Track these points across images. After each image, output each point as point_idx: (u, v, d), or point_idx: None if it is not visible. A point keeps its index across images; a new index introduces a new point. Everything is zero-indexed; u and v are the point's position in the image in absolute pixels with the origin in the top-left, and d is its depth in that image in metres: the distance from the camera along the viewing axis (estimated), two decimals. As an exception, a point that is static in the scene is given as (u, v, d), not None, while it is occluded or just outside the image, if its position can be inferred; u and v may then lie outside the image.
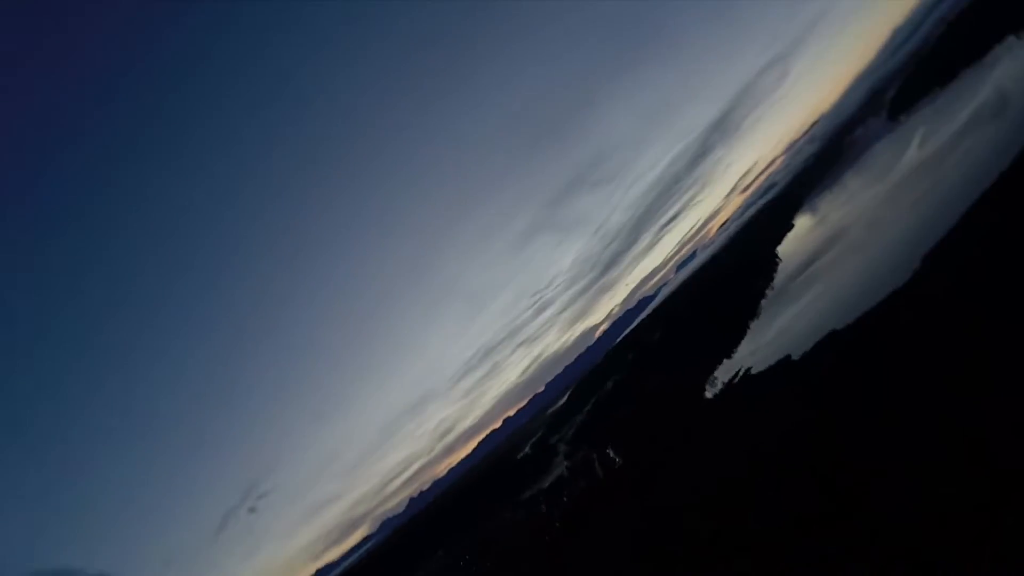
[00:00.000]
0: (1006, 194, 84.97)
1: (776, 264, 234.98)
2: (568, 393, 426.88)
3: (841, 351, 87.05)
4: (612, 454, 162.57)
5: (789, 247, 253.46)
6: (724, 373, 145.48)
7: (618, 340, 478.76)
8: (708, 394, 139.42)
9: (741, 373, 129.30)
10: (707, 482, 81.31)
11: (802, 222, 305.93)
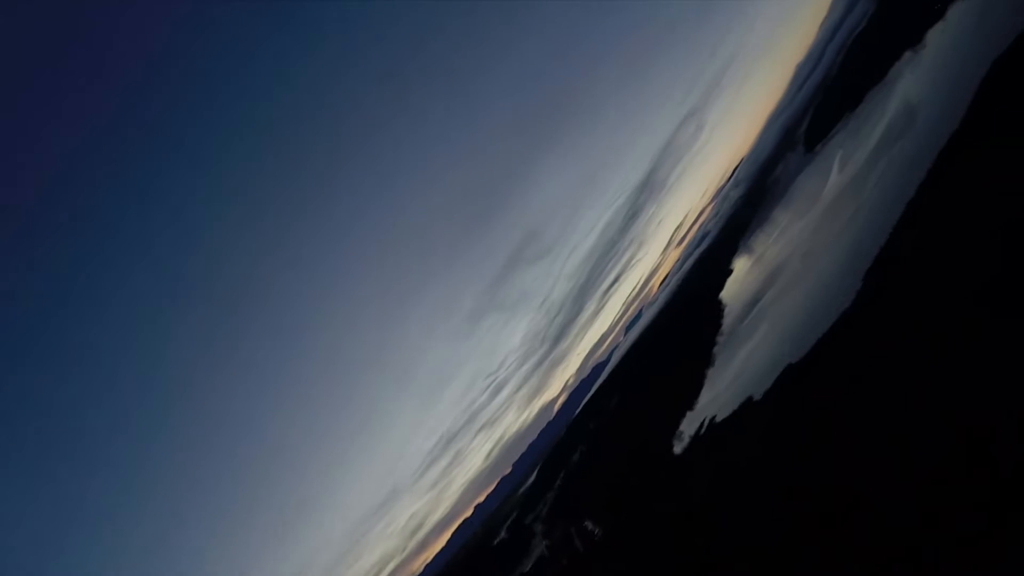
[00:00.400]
0: (930, 200, 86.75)
1: (722, 310, 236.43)
2: (536, 470, 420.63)
3: (802, 381, 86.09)
4: (591, 525, 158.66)
5: (731, 291, 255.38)
6: (689, 425, 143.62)
7: (578, 410, 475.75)
8: (677, 449, 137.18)
9: (706, 423, 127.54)
10: (691, 536, 78.90)
11: (740, 264, 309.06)
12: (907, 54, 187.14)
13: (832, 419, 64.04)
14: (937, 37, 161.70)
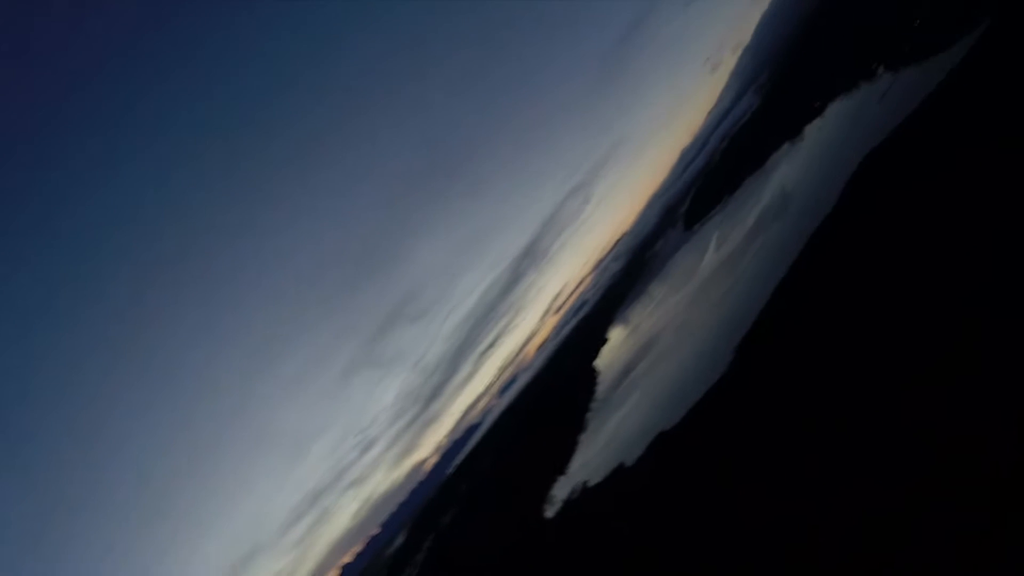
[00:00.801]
0: (800, 279, 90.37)
1: (596, 377, 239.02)
2: (406, 531, 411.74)
3: (673, 448, 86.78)
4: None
5: (606, 359, 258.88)
6: (561, 490, 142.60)
7: (449, 471, 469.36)
8: (548, 513, 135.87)
9: (579, 488, 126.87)
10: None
11: (616, 334, 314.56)
12: (785, 146, 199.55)
13: (702, 485, 64.55)
14: (815, 132, 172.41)
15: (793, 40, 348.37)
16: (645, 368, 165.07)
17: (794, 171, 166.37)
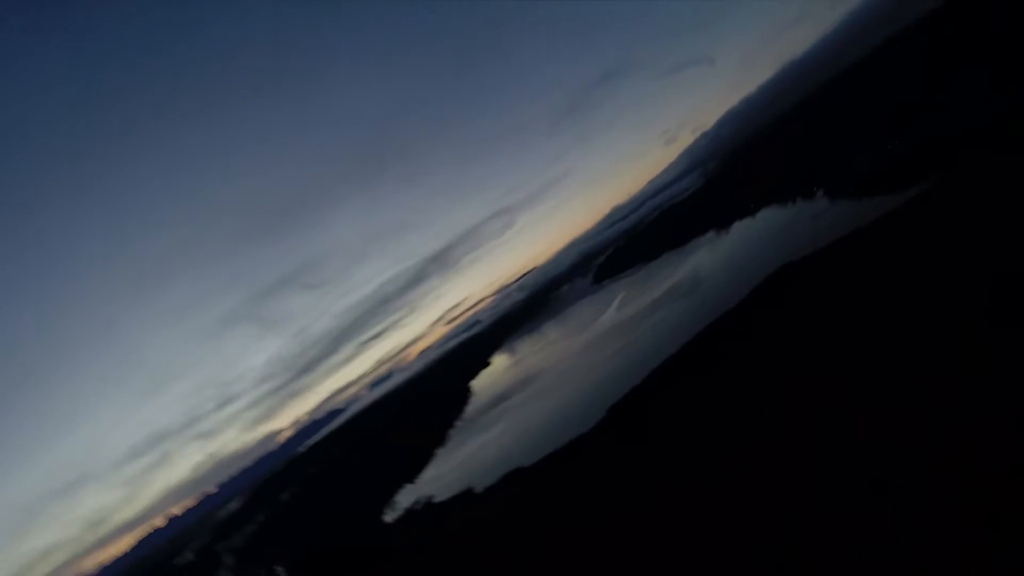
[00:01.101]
0: (689, 361, 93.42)
1: (469, 397, 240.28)
2: (243, 498, 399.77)
3: (526, 486, 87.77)
4: (282, 573, 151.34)
5: (483, 382, 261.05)
6: (406, 498, 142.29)
7: (301, 449, 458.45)
8: (388, 518, 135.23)
9: (424, 500, 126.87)
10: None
11: (499, 361, 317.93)
12: (711, 233, 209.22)
13: (544, 526, 65.52)
14: (742, 229, 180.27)
15: (751, 141, 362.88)
16: (518, 401, 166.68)
17: (712, 259, 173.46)
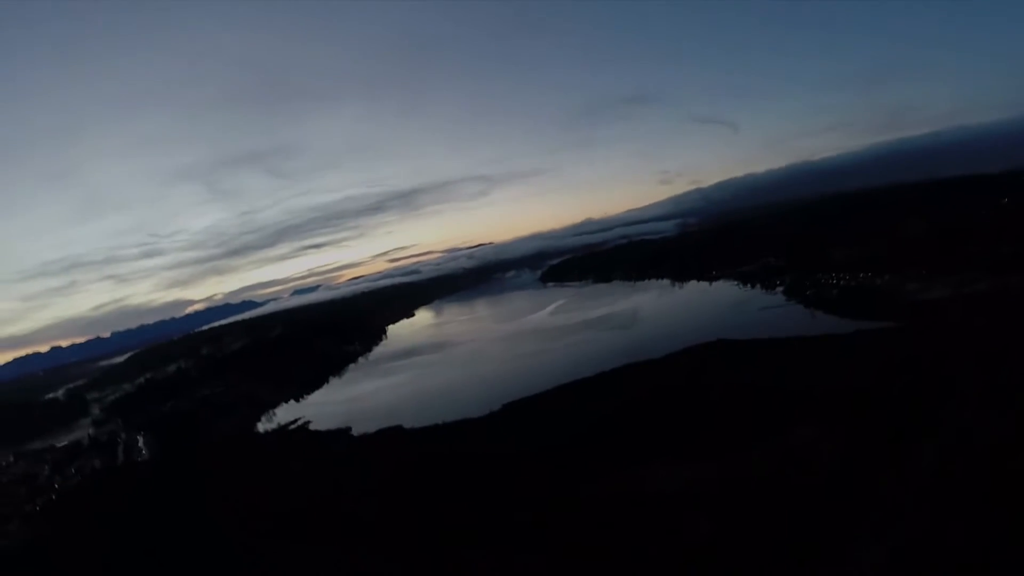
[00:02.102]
0: (596, 389, 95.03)
1: (381, 339, 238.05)
2: (131, 356, 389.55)
3: (399, 444, 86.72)
4: (141, 444, 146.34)
5: (401, 331, 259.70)
6: (285, 414, 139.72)
7: (204, 328, 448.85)
8: (260, 426, 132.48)
9: (301, 421, 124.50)
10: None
11: (423, 316, 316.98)
12: (666, 281, 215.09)
13: (404, 488, 64.48)
14: (695, 290, 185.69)
15: (739, 215, 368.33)
16: (426, 362, 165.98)
17: (657, 305, 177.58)
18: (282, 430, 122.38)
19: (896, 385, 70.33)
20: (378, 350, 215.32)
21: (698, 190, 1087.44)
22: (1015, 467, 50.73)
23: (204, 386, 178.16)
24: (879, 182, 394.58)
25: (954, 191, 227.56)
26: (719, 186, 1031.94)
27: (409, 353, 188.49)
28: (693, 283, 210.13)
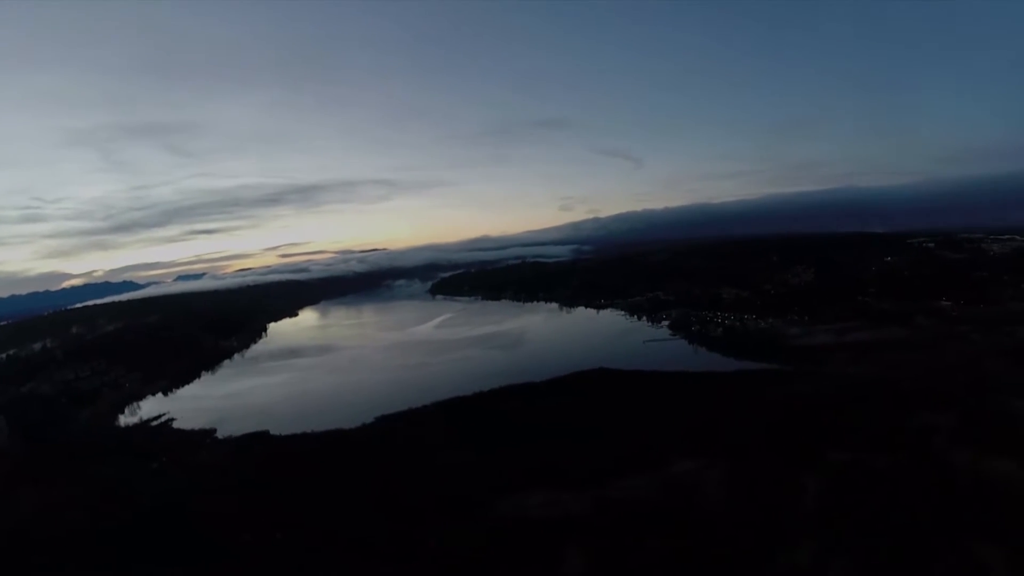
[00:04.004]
0: (472, 408, 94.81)
1: (262, 335, 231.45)
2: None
3: (264, 452, 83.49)
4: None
5: (283, 329, 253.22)
6: (152, 407, 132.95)
7: (79, 306, 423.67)
8: (121, 419, 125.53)
9: (165, 417, 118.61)
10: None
11: (307, 316, 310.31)
12: (555, 305, 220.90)
13: (260, 495, 62.13)
14: (583, 318, 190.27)
15: (633, 249, 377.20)
16: (304, 365, 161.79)
17: (543, 328, 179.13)
18: (144, 425, 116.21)
19: (777, 423, 73.83)
20: (257, 347, 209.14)
21: (596, 219, 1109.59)
22: (893, 503, 54.20)
23: (69, 369, 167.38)
24: (773, 231, 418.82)
25: (842, 246, 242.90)
26: (618, 217, 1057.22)
27: (288, 354, 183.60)
28: (581, 309, 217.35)
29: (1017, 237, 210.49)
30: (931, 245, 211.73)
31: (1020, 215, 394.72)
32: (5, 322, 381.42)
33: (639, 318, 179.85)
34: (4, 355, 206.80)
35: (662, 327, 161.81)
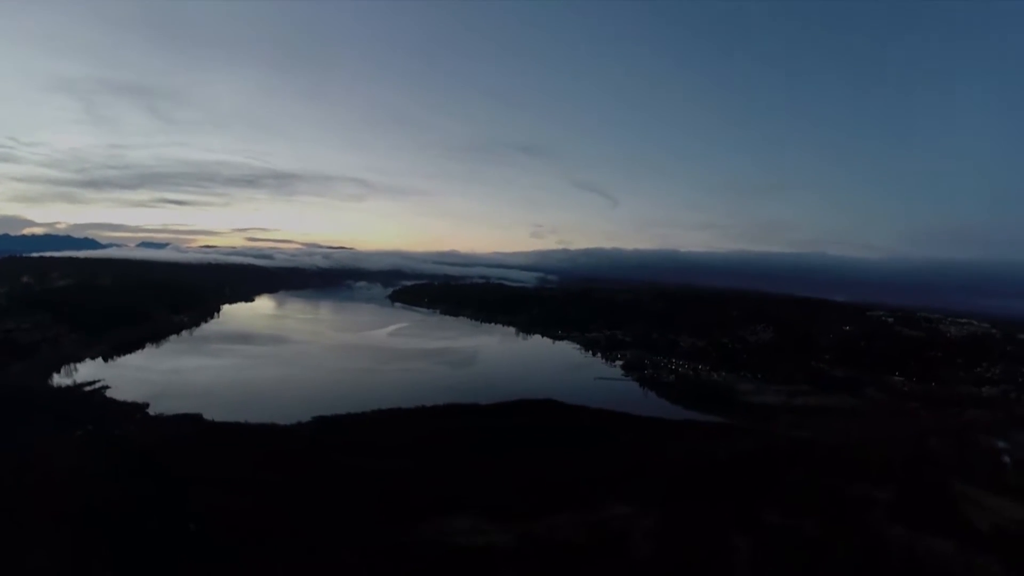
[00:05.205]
0: (410, 421, 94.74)
1: (213, 316, 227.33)
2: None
3: (201, 439, 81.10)
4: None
5: (236, 313, 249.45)
6: (88, 371, 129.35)
7: (34, 255, 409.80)
8: (54, 380, 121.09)
9: (99, 384, 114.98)
10: None
11: (263, 304, 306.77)
12: (513, 330, 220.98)
13: (182, 477, 60.32)
14: (539, 344, 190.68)
15: (598, 286, 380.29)
16: (251, 352, 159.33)
17: (498, 350, 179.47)
18: (76, 389, 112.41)
19: (716, 477, 73.35)
20: (207, 327, 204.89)
21: (566, 250, 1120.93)
22: (824, 572, 54.01)
23: (10, 318, 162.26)
24: (737, 285, 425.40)
25: (803, 310, 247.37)
26: (587, 251, 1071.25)
27: (238, 339, 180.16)
28: (538, 337, 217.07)
29: (974, 322, 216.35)
30: (890, 320, 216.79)
31: (981, 302, 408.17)
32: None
33: (594, 354, 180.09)
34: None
35: (616, 366, 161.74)
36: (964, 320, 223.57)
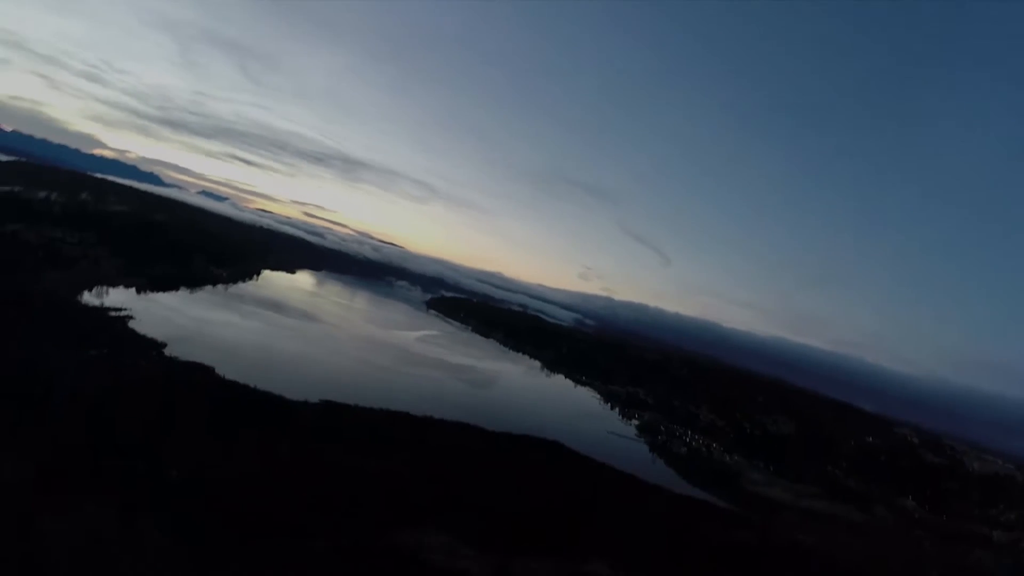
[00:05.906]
0: (417, 429, 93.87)
1: (252, 278, 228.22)
2: (13, 159, 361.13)
3: (206, 390, 79.33)
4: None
5: (275, 281, 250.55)
6: (119, 298, 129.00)
7: (99, 175, 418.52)
8: (85, 297, 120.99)
9: (125, 312, 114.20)
10: None
11: (303, 278, 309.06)
12: (538, 364, 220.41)
13: (192, 438, 58.01)
14: (561, 384, 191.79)
15: (635, 339, 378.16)
16: (281, 323, 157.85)
17: (519, 380, 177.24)
18: (101, 311, 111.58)
19: (708, 560, 69.83)
20: (244, 286, 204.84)
21: (609, 299, 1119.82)
22: None
23: (60, 229, 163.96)
24: (769, 372, 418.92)
25: (830, 411, 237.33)
26: (629, 305, 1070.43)
27: (270, 305, 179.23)
28: (561, 377, 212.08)
29: (1000, 461, 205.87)
30: (915, 440, 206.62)
31: (1013, 442, 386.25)
32: (25, 159, 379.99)
33: (612, 407, 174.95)
34: (7, 188, 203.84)
35: (631, 424, 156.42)
36: (990, 457, 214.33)
